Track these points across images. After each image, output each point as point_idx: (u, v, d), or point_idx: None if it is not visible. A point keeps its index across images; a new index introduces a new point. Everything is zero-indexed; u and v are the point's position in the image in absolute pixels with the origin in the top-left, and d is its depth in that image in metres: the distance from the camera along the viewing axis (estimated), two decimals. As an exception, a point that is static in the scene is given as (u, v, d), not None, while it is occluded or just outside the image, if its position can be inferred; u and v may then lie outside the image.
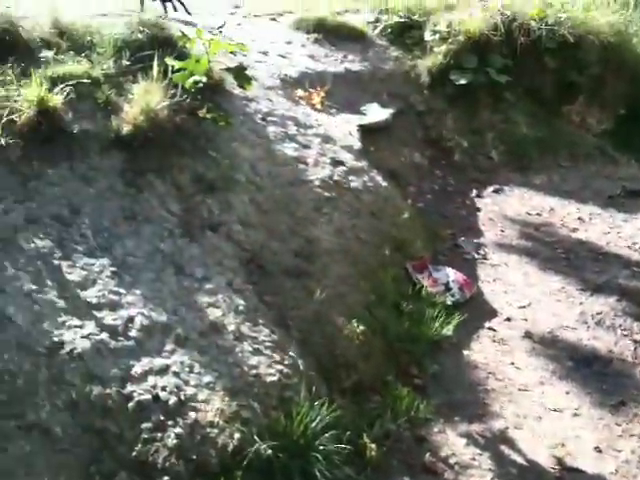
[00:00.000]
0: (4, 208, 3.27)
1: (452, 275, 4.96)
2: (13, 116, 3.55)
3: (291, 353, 3.42)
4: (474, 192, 6.68)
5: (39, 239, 3.22)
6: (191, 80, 4.31)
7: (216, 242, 3.95)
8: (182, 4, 7.12)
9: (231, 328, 3.34)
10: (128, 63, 4.41)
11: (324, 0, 9.51)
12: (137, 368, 2.87)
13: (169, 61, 4.23)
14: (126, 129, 3.93)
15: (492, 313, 4.77)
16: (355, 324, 3.93)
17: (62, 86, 3.78)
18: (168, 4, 6.93)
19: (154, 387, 2.82)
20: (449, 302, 4.66)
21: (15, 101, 3.64)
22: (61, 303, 2.97)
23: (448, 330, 4.31)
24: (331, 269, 4.31)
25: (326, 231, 4.58)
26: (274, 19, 8.35)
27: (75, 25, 4.66)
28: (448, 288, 4.84)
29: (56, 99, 3.69)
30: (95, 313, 3.00)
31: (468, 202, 6.52)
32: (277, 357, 3.32)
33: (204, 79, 4.40)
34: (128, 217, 3.69)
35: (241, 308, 3.51)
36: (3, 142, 3.45)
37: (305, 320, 3.80)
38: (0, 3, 4.58)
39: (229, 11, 8.70)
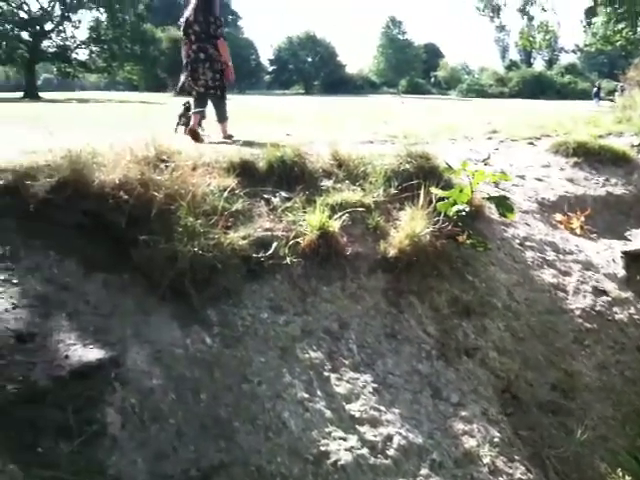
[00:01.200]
0: (285, 319, 3.68)
1: None
2: (298, 239, 4.03)
3: (549, 496, 3.23)
4: None
5: (312, 350, 3.55)
6: (454, 209, 4.53)
7: (471, 367, 3.97)
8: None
9: (486, 460, 3.27)
10: (396, 191, 4.79)
11: (584, 124, 9.46)
12: (394, 488, 2.94)
13: (434, 190, 4.51)
14: (392, 252, 4.23)
15: None
16: (620, 472, 3.60)
17: (340, 214, 4.22)
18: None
19: (410, 511, 2.86)
20: None
21: (300, 225, 4.15)
22: (328, 413, 3.20)
23: None
24: (592, 408, 4.04)
25: (587, 365, 4.34)
26: (531, 143, 8.44)
27: (351, 157, 5.20)
28: None
29: (334, 224, 4.13)
30: (357, 427, 3.18)
31: None
32: (534, 498, 3.16)
33: (466, 208, 4.60)
34: (389, 335, 3.90)
35: (496, 440, 3.43)
36: (288, 261, 3.93)
37: (563, 461, 3.58)
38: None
39: (486, 136, 9.02)
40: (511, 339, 4.29)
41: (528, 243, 5.37)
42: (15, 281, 3.21)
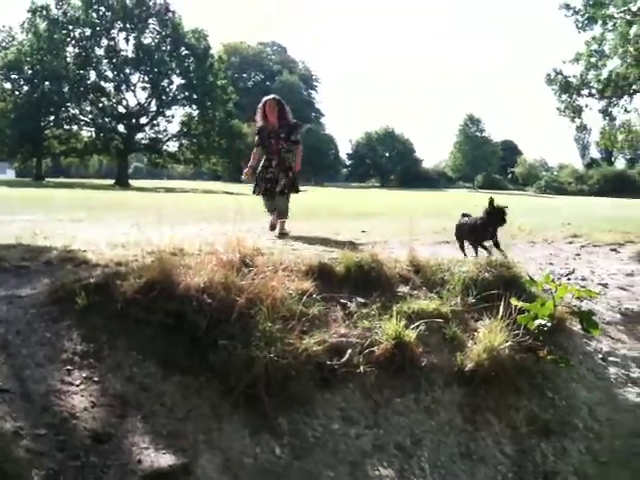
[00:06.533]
0: (356, 432, 3.62)
1: None
2: (373, 347, 4.00)
3: None
4: None
5: (383, 467, 3.45)
6: (536, 323, 4.41)
7: (550, 494, 3.75)
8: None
9: None
10: (474, 300, 4.71)
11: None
12: None
13: (514, 302, 4.41)
14: (469, 365, 4.12)
15: None
16: None
17: (417, 323, 4.18)
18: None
19: None
20: None
21: (376, 333, 4.13)
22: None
23: None
24: None
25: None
26: (614, 249, 8.18)
27: (428, 262, 5.20)
28: None
29: (410, 334, 4.09)
30: None
31: None
32: None
33: (548, 322, 4.46)
34: (464, 454, 3.75)
35: None
36: (362, 369, 3.89)
37: None
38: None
39: (567, 240, 8.83)
40: (593, 463, 4.04)
41: (611, 358, 5.11)
42: (96, 379, 3.32)
